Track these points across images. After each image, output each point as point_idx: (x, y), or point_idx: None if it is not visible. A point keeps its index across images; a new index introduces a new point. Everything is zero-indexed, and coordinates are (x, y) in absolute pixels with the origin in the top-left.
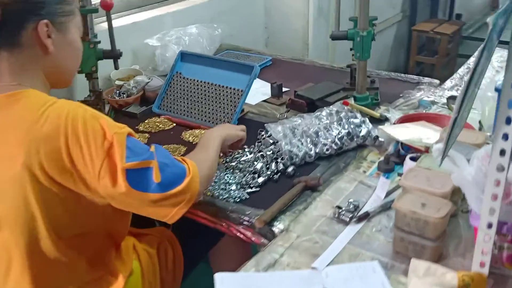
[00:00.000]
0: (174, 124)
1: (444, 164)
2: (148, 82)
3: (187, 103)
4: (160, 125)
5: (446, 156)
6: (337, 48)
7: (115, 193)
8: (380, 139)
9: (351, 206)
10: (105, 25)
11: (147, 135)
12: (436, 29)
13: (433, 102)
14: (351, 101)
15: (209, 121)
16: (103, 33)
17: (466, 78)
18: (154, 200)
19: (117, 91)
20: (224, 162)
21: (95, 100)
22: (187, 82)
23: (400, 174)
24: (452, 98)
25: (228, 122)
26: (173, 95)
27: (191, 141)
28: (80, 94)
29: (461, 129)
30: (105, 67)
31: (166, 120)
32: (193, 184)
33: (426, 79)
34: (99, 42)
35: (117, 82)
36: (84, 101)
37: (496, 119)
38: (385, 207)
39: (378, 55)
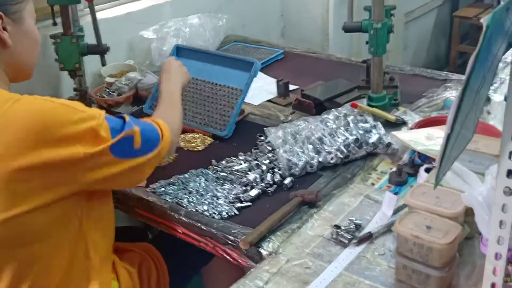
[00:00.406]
0: None
1: (453, 182)
2: (141, 79)
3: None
4: None
5: (439, 180)
6: (363, 38)
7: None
8: (393, 146)
9: (352, 225)
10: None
11: None
12: (482, 15)
13: None
14: (363, 102)
15: (203, 124)
16: (90, 26)
17: (458, 92)
18: (134, 163)
19: (107, 89)
20: (214, 172)
21: (81, 99)
22: None
23: None
24: (487, 100)
25: (225, 124)
26: None
27: (182, 146)
28: (65, 92)
29: (462, 148)
30: (97, 62)
31: None
32: (165, 144)
33: (455, 76)
34: (83, 35)
35: (108, 79)
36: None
37: (503, 134)
38: (391, 227)
39: (415, 45)
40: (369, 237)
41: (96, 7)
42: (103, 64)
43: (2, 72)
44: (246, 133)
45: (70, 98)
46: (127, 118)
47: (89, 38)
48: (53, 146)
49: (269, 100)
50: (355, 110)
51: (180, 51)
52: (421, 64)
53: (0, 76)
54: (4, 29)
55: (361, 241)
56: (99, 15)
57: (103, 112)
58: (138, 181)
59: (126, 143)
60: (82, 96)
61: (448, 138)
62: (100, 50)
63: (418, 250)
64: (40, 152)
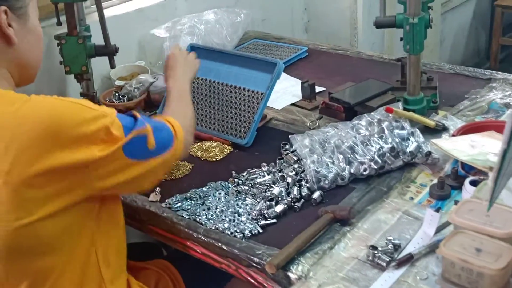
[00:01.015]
0: None
1: (506, 199)
2: (153, 82)
3: (197, 109)
4: None
5: (495, 199)
6: (396, 34)
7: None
8: (433, 155)
9: (390, 246)
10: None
11: None
12: None
13: (508, 105)
14: (398, 106)
15: (222, 131)
16: (98, 25)
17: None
18: (148, 165)
19: (117, 94)
20: (235, 185)
21: None
22: (197, 83)
23: (457, 202)
24: None
25: (245, 132)
26: None
27: (199, 156)
28: (71, 96)
29: None
30: (105, 64)
31: None
32: (179, 144)
33: (500, 74)
34: (90, 36)
35: (117, 82)
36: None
37: None
38: (434, 248)
39: (452, 39)
40: (409, 259)
41: (103, 4)
42: (112, 66)
43: (7, 73)
44: (269, 141)
45: None
46: (138, 115)
47: (96, 38)
48: (69, 148)
49: (293, 104)
50: (390, 115)
51: (194, 51)
52: (459, 60)
53: (5, 76)
54: (9, 25)
55: (400, 263)
56: (107, 13)
57: (114, 110)
58: (152, 185)
59: (139, 143)
60: (91, 101)
61: (504, 153)
62: (109, 51)
63: (466, 276)
64: (55, 155)
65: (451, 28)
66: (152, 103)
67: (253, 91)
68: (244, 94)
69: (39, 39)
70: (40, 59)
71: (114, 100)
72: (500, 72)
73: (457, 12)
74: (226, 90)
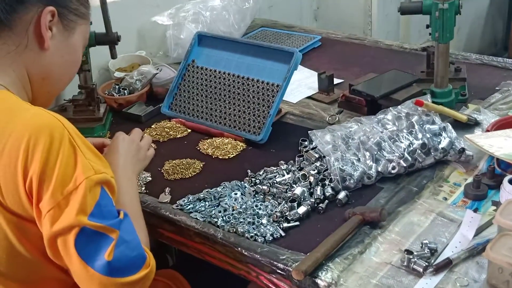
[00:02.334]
0: (189, 131)
1: None
2: (156, 73)
3: (206, 103)
4: (171, 132)
5: None
6: (412, 21)
7: (52, 243)
8: (467, 152)
9: (426, 250)
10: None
11: (153, 145)
12: None
13: None
14: (427, 99)
15: (234, 127)
16: (97, 11)
17: None
18: (92, 278)
19: (117, 86)
20: (251, 184)
21: (87, 99)
22: (205, 74)
23: (495, 203)
24: None
25: (259, 127)
26: (188, 92)
27: (210, 153)
28: (68, 91)
29: None
30: (102, 54)
31: (179, 125)
32: (145, 280)
33: None
34: (90, 23)
35: (117, 74)
36: (74, 100)
37: None
38: (474, 252)
39: (468, 27)
40: (448, 264)
41: None
42: (113, 56)
43: (26, 76)
44: (285, 137)
45: (74, 97)
46: (122, 215)
47: (96, 26)
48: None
49: (310, 97)
50: (419, 108)
51: (202, 40)
52: (475, 50)
53: (22, 80)
54: (50, 29)
55: (438, 269)
56: None
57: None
58: None
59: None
60: (89, 94)
61: None
62: (110, 39)
63: None
64: None
65: (467, 16)
66: (155, 96)
67: (267, 83)
68: (258, 87)
69: (73, 62)
70: (64, 83)
71: (114, 93)
72: None
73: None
74: (238, 82)
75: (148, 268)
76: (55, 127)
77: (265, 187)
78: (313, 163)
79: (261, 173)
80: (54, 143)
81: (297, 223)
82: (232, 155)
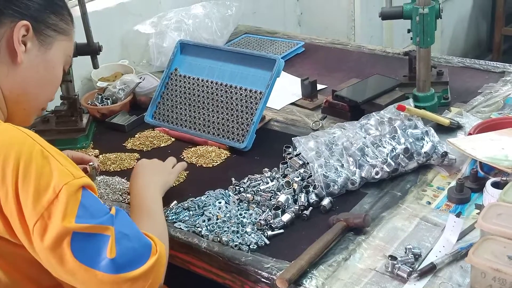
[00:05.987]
0: (173, 139)
1: None
2: (139, 82)
3: (189, 111)
4: (155, 141)
5: None
6: (396, 26)
7: (51, 261)
8: (450, 156)
9: (410, 255)
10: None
11: (137, 154)
12: None
13: None
14: (409, 103)
15: (217, 134)
16: (78, 21)
17: None
18: (102, 281)
19: (100, 96)
20: (235, 192)
21: (70, 109)
22: (188, 83)
23: (478, 206)
24: None
25: (243, 135)
26: (171, 100)
27: (194, 162)
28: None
29: None
30: (84, 63)
31: (163, 134)
32: (158, 267)
33: None
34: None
35: (100, 84)
36: (56, 111)
37: None
38: (458, 256)
39: (451, 30)
40: (432, 269)
41: None
42: (95, 66)
43: (0, 95)
44: (269, 144)
45: (57, 108)
46: (114, 210)
47: (77, 37)
48: None
49: (293, 103)
50: (401, 113)
51: (184, 48)
52: (459, 52)
53: None
54: (24, 44)
55: (422, 274)
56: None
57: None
58: None
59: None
60: (72, 105)
61: None
62: (92, 50)
63: (499, 286)
64: None
65: (451, 19)
66: (138, 106)
67: (251, 90)
68: (241, 94)
69: (51, 80)
70: (42, 101)
71: (97, 103)
72: None
73: (456, 1)
74: (221, 90)
75: (156, 254)
76: (23, 143)
77: (249, 195)
78: (297, 170)
79: (245, 181)
80: (24, 158)
81: (281, 230)
82: (216, 163)
